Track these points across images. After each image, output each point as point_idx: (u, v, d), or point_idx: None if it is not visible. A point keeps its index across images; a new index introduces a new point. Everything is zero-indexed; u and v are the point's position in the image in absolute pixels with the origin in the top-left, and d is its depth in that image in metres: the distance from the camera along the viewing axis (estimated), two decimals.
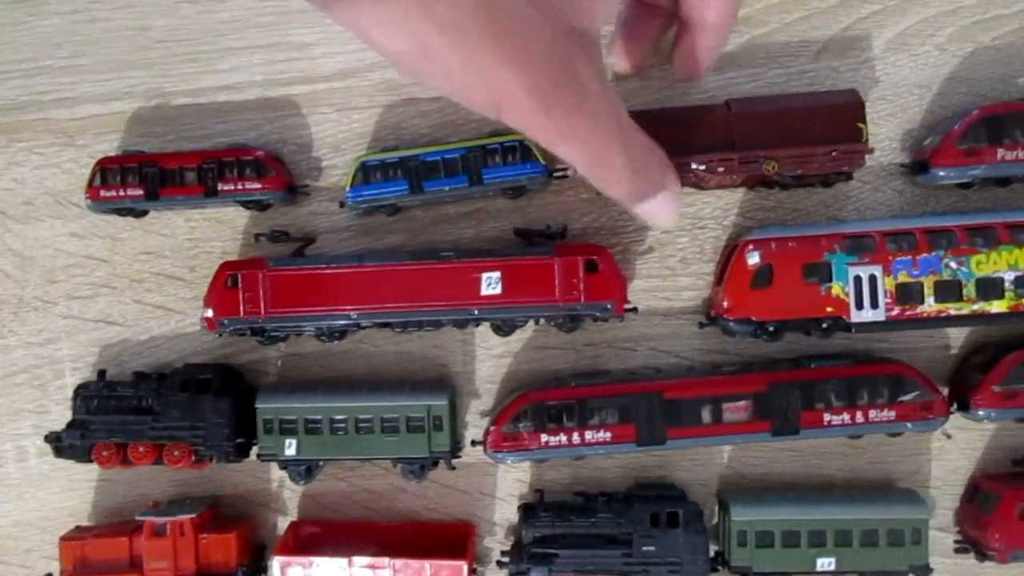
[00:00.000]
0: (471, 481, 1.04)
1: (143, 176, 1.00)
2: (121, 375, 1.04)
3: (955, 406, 0.98)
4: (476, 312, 0.95)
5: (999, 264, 0.93)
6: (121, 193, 1.00)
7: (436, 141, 1.01)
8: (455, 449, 1.00)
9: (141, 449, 0.99)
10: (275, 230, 1.00)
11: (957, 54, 1.01)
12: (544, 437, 0.96)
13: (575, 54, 0.38)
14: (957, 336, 1.01)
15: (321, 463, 1.00)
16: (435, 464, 0.99)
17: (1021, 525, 0.94)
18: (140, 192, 1.00)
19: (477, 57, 0.34)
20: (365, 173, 0.98)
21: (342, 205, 1.01)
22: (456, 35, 0.33)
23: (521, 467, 1.03)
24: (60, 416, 1.05)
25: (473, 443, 1.00)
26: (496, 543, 1.04)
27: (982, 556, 0.98)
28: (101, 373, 1.03)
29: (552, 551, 0.96)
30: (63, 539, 1.01)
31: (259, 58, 1.04)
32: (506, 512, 1.04)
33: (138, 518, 1.00)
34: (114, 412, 1.00)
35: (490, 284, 0.94)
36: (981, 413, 0.95)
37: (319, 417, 0.98)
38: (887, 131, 1.01)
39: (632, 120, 0.47)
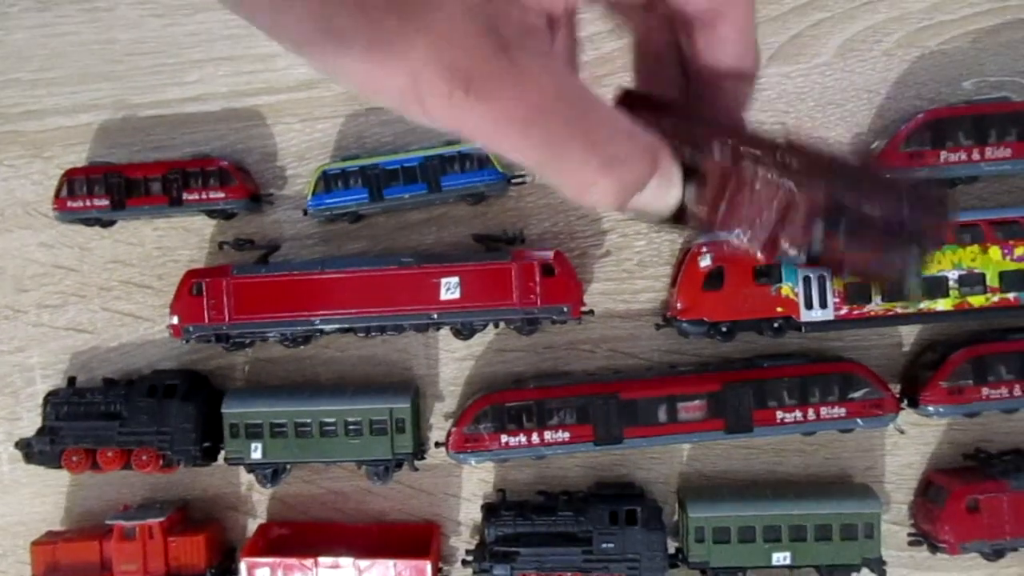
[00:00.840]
0: (436, 482, 1.06)
1: (109, 186, 1.01)
2: (91, 382, 1.06)
3: (906, 403, 1.01)
4: (436, 316, 0.97)
5: (943, 264, 0.95)
6: (87, 203, 1.02)
7: (398, 149, 1.03)
8: (419, 451, 1.02)
9: (109, 454, 1.01)
10: (240, 238, 1.02)
11: (904, 59, 1.03)
12: (504, 438, 0.98)
13: (500, 20, 0.31)
14: (908, 334, 1.04)
15: (287, 466, 1.02)
16: (399, 466, 1.01)
17: (970, 519, 0.97)
18: (106, 202, 1.02)
19: (382, 32, 0.29)
20: (326, 182, 1.00)
21: (305, 213, 1.03)
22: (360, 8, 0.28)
23: (485, 468, 1.05)
24: (31, 423, 1.07)
25: (436, 444, 1.02)
26: (462, 542, 1.06)
27: (934, 548, 1.00)
28: (71, 380, 1.05)
29: (514, 550, 0.98)
30: (34, 544, 1.02)
31: (224, 70, 1.06)
32: (471, 512, 1.06)
33: (108, 522, 1.02)
34: (83, 418, 1.01)
35: (449, 289, 0.96)
36: (931, 409, 0.98)
37: (284, 421, 1.00)
38: (836, 135, 1.03)
39: (606, 103, 0.35)
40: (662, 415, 0.98)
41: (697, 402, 0.97)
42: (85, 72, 1.07)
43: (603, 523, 0.98)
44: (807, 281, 0.96)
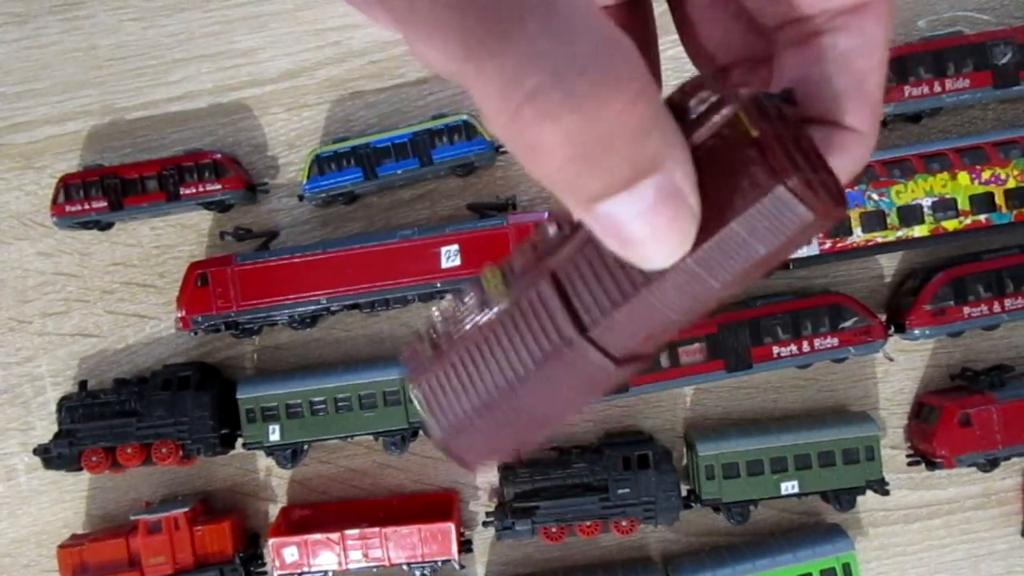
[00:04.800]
0: None
1: (105, 188, 1.03)
2: (102, 384, 1.08)
3: (893, 330, 1.05)
4: (439, 285, 1.00)
5: (916, 192, 1.00)
6: (86, 206, 1.03)
7: (385, 129, 1.06)
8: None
9: (129, 451, 1.03)
10: (239, 228, 1.05)
11: None
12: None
13: None
14: (889, 265, 1.09)
15: (306, 446, 1.05)
16: (415, 435, 1.04)
17: (962, 432, 1.02)
18: (104, 204, 1.03)
19: None
20: (320, 165, 1.03)
21: (301, 198, 1.05)
22: None
23: None
24: (45, 431, 1.08)
25: None
26: (480, 507, 1.09)
27: (931, 466, 1.05)
28: (82, 384, 1.06)
29: (534, 504, 1.01)
30: (60, 547, 1.04)
31: (207, 67, 1.08)
32: (487, 476, 1.09)
33: (132, 518, 1.03)
34: (99, 418, 1.03)
35: (449, 257, 0.99)
36: (916, 332, 1.03)
37: (299, 401, 1.02)
38: None
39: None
40: (664, 360, 1.01)
41: (696, 345, 1.01)
42: (69, 80, 1.09)
43: (617, 469, 1.01)
44: None
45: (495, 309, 0.27)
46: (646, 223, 0.22)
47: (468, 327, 0.28)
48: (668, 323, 0.26)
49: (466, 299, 0.28)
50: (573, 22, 0.20)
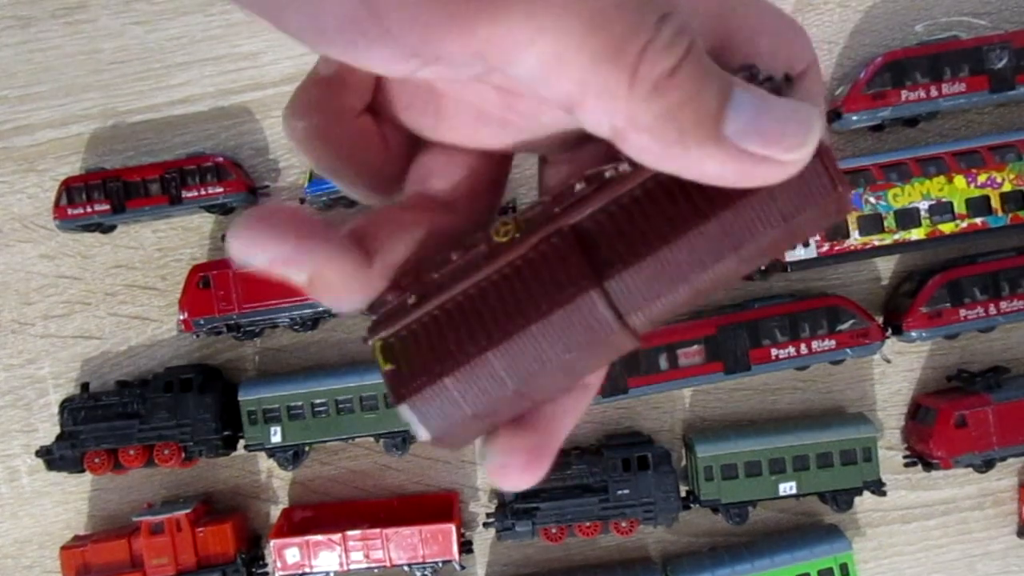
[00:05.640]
0: (452, 451, 1.10)
1: (108, 191, 1.04)
2: (104, 386, 1.08)
3: (890, 332, 1.06)
4: None
5: (913, 196, 1.01)
6: (88, 209, 1.04)
7: None
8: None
9: (131, 452, 1.03)
10: None
11: (859, 9, 1.09)
12: None
13: None
14: (886, 268, 1.10)
15: (307, 447, 1.05)
16: (415, 437, 1.04)
17: (958, 433, 1.03)
18: (107, 207, 1.04)
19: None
20: None
21: (303, 201, 1.06)
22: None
23: None
24: (47, 433, 1.08)
25: None
26: (480, 507, 1.10)
27: (928, 466, 1.06)
28: (84, 386, 1.07)
29: (534, 505, 1.02)
30: (63, 548, 1.04)
31: (209, 70, 1.09)
32: (487, 477, 1.10)
33: (134, 519, 1.04)
34: (101, 420, 1.03)
35: None
36: (913, 334, 1.04)
37: (300, 403, 1.03)
38: None
39: None
40: (663, 363, 1.02)
41: (695, 347, 1.02)
42: (72, 84, 1.09)
43: (616, 471, 1.02)
44: None
45: (502, 261, 0.25)
46: (767, 116, 0.22)
47: (465, 278, 0.25)
48: (684, 290, 0.24)
49: (465, 252, 0.26)
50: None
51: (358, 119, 0.27)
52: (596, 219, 0.25)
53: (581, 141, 0.27)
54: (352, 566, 1.02)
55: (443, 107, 0.28)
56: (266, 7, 0.23)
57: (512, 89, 0.26)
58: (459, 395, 0.25)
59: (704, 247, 0.24)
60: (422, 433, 0.25)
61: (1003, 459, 1.05)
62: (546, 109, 0.26)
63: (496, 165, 0.29)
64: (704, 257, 0.24)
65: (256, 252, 0.24)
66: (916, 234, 1.01)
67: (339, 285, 0.26)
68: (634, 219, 0.24)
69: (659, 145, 0.22)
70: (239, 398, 1.03)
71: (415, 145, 0.29)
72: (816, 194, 0.24)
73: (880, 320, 1.07)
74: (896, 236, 1.01)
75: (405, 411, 0.25)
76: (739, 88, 0.23)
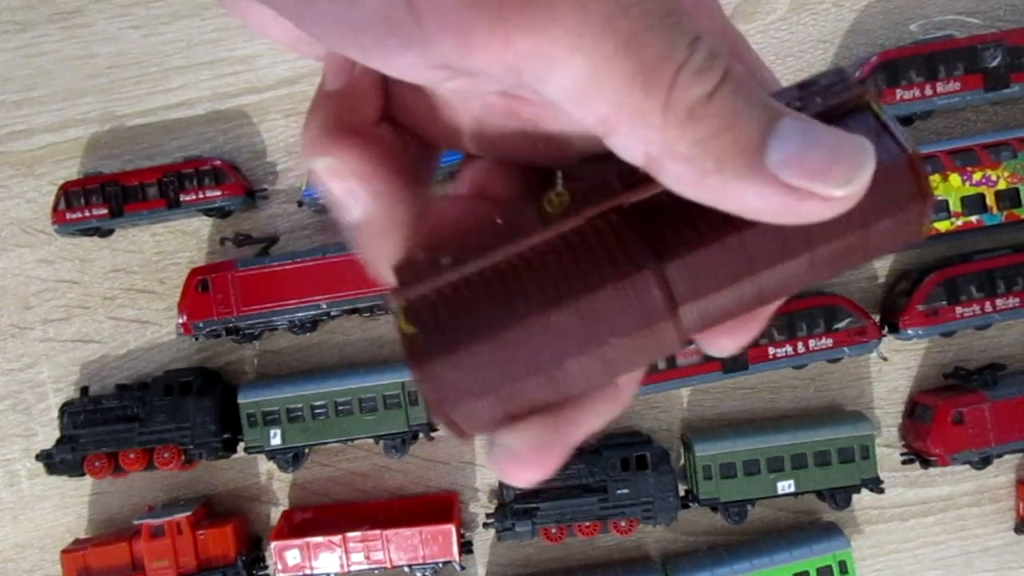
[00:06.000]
0: (451, 452, 1.10)
1: (106, 195, 1.04)
2: (104, 390, 1.08)
3: (887, 330, 1.07)
4: None
5: None
6: (86, 214, 1.04)
7: None
8: (433, 422, 1.06)
9: (132, 456, 1.04)
10: (239, 234, 1.05)
11: (854, 8, 1.10)
12: None
13: None
14: (882, 266, 1.10)
15: (307, 449, 1.05)
16: (415, 437, 1.05)
17: (956, 431, 1.03)
18: (105, 211, 1.04)
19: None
20: None
21: (300, 204, 1.06)
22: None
23: None
24: (47, 437, 1.08)
25: None
26: (480, 508, 1.10)
27: (926, 464, 1.06)
28: (84, 390, 1.07)
29: (534, 505, 1.02)
30: (64, 552, 1.04)
31: (206, 74, 1.09)
32: (487, 478, 1.10)
33: (135, 522, 1.04)
34: (101, 424, 1.03)
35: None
36: (910, 332, 1.04)
37: (300, 405, 1.03)
38: None
39: None
40: (661, 362, 1.02)
41: (694, 346, 1.02)
42: (69, 88, 1.09)
43: (615, 470, 1.02)
44: None
45: (551, 231, 0.23)
46: (814, 147, 0.21)
47: (508, 244, 0.23)
48: (746, 287, 0.22)
49: (511, 216, 0.23)
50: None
51: (377, 128, 0.26)
52: (660, 200, 0.23)
53: (595, 156, 0.25)
54: (353, 567, 1.02)
55: (438, 114, 0.27)
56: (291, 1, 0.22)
57: (530, 102, 0.25)
58: (484, 368, 0.22)
59: (775, 242, 0.22)
60: (434, 408, 0.23)
61: (1000, 456, 1.05)
62: (551, 118, 0.26)
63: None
64: (773, 253, 0.22)
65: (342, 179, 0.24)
66: None
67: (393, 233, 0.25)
68: (691, 206, 0.22)
69: (696, 175, 0.21)
70: (238, 401, 1.03)
71: (430, 150, 0.28)
72: (900, 201, 0.22)
73: (877, 319, 1.07)
74: None
75: (421, 379, 0.23)
76: (787, 116, 0.21)
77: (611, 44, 0.20)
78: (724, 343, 0.25)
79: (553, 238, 0.23)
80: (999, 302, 1.03)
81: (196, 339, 1.06)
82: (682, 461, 1.09)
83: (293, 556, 1.02)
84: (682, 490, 1.06)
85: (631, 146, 0.21)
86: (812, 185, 0.21)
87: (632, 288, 0.22)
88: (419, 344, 0.23)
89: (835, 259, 0.23)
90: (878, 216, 0.22)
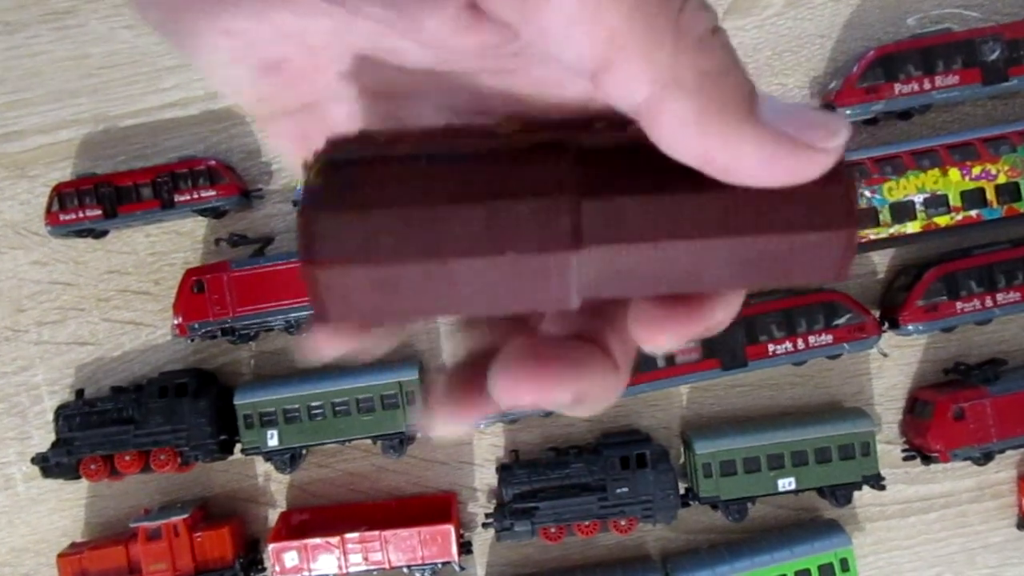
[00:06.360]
0: (449, 452, 1.10)
1: (100, 196, 1.03)
2: (99, 392, 1.08)
3: (886, 326, 1.06)
4: None
5: (908, 189, 1.01)
6: (80, 215, 1.03)
7: None
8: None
9: (127, 458, 1.03)
10: (234, 234, 1.05)
11: (850, 3, 1.09)
12: None
13: None
14: (881, 262, 1.10)
15: (304, 450, 1.05)
16: (412, 438, 1.04)
17: (956, 426, 1.02)
18: (98, 212, 1.03)
19: None
20: None
21: (295, 204, 1.06)
22: None
23: (495, 432, 1.09)
24: (42, 440, 1.08)
25: None
26: (479, 508, 1.10)
27: (927, 460, 1.06)
28: (79, 392, 1.06)
29: (533, 505, 1.02)
30: (60, 556, 1.04)
31: (199, 73, 1.08)
32: (485, 478, 1.10)
33: (131, 525, 1.03)
34: (97, 426, 1.03)
35: None
36: (910, 328, 1.03)
37: (296, 406, 1.02)
38: (795, 80, 1.09)
39: None
40: (661, 360, 1.02)
41: (692, 344, 1.02)
42: (61, 89, 1.09)
43: (615, 469, 1.02)
44: None
45: (493, 142, 0.23)
46: (791, 107, 0.21)
47: (446, 138, 0.23)
48: (655, 252, 0.21)
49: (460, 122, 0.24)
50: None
51: None
52: (602, 146, 0.22)
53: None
54: (351, 568, 1.02)
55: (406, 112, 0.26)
56: None
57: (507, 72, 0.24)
58: (373, 236, 0.21)
59: (700, 217, 0.21)
60: (304, 255, 0.21)
61: (1001, 451, 1.04)
62: (534, 80, 0.24)
63: None
64: (695, 227, 0.21)
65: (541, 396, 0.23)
66: (911, 227, 1.01)
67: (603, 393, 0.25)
68: (638, 162, 0.22)
69: (698, 114, 0.20)
70: (235, 402, 1.03)
71: None
72: (829, 217, 0.22)
73: (876, 314, 1.06)
74: (892, 230, 1.01)
75: (304, 227, 0.21)
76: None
77: None
78: (658, 338, 0.24)
79: (493, 147, 0.22)
80: (999, 297, 1.02)
81: (191, 340, 1.05)
82: (682, 459, 1.09)
83: (291, 558, 1.01)
84: (682, 488, 1.05)
85: (633, 79, 0.20)
86: (803, 135, 0.20)
87: (544, 209, 0.21)
88: (317, 194, 0.21)
89: (753, 263, 0.22)
90: (805, 227, 0.22)
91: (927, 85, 1.03)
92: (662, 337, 0.24)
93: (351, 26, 0.23)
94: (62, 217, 1.04)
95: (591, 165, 0.22)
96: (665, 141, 0.21)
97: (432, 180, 0.21)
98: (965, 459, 1.05)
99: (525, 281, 0.22)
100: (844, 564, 1.01)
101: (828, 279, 0.23)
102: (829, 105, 1.04)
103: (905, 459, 1.08)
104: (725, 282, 0.23)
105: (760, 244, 0.22)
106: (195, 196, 1.03)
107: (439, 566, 1.02)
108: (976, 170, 1.02)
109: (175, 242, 1.09)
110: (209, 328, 1.02)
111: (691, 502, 1.05)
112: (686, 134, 0.20)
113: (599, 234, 0.21)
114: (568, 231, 0.21)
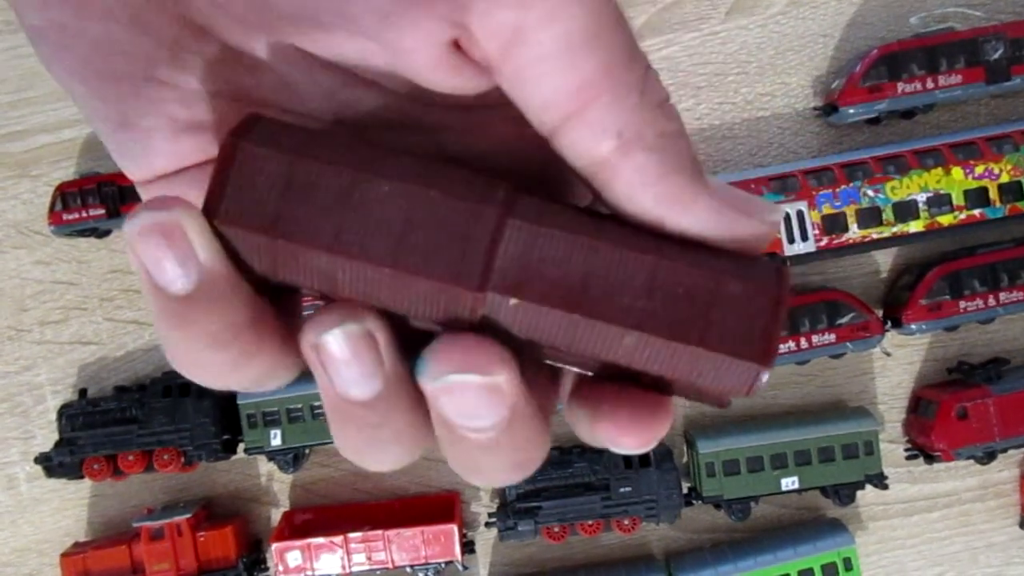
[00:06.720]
0: None
1: (103, 196, 1.03)
2: (102, 392, 1.08)
3: (890, 325, 1.06)
4: None
5: (911, 188, 1.01)
6: (83, 215, 1.03)
7: None
8: None
9: (131, 458, 1.03)
10: None
11: (853, 2, 1.09)
12: None
13: None
14: (884, 261, 1.10)
15: (307, 450, 1.05)
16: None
17: (959, 426, 1.02)
18: (102, 212, 1.03)
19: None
20: None
21: None
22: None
23: None
24: (45, 440, 1.08)
25: None
26: (482, 507, 1.10)
27: (930, 459, 1.06)
28: (82, 392, 1.06)
29: (536, 504, 1.02)
30: (63, 556, 1.04)
31: None
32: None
33: (134, 525, 1.03)
34: (100, 426, 1.03)
35: None
36: (913, 327, 1.03)
37: (300, 406, 1.02)
38: (798, 80, 1.09)
39: None
40: None
41: None
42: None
43: (618, 468, 1.02)
44: (786, 217, 1.01)
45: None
46: (731, 188, 0.24)
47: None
48: (568, 286, 0.21)
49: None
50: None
51: None
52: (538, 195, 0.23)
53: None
54: (354, 568, 1.02)
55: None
56: None
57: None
58: (289, 190, 0.21)
59: (623, 267, 0.21)
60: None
61: (1005, 450, 1.04)
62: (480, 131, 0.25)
63: None
64: (616, 274, 0.21)
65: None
66: (914, 226, 1.01)
67: None
68: (571, 210, 0.22)
69: (658, 170, 0.21)
70: (238, 402, 1.03)
71: None
72: (748, 325, 0.21)
73: (880, 313, 1.06)
74: (895, 229, 1.01)
75: (224, 154, 0.21)
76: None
77: (592, 22, 0.20)
78: (624, 440, 0.24)
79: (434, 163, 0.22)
80: (1002, 296, 1.02)
81: None
82: (685, 458, 1.09)
83: (294, 557, 1.01)
84: (685, 488, 1.05)
85: (600, 130, 0.21)
86: (747, 205, 0.22)
87: (469, 209, 0.21)
88: (240, 136, 0.22)
89: (663, 340, 0.21)
90: (722, 319, 0.21)
91: (930, 84, 1.03)
92: (629, 439, 0.24)
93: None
94: (65, 216, 1.04)
95: (524, 193, 0.22)
96: (623, 195, 0.22)
97: (368, 157, 0.21)
98: (968, 458, 1.05)
99: (426, 273, 0.21)
100: (847, 563, 1.01)
101: (732, 393, 0.23)
102: (833, 104, 1.03)
103: (908, 458, 1.08)
104: (629, 359, 0.22)
105: (675, 314, 0.21)
106: None
107: (442, 566, 1.03)
108: (979, 169, 1.02)
109: None
110: None
111: (694, 501, 1.05)
112: (645, 189, 0.21)
113: (517, 252, 0.21)
114: (485, 240, 0.21)
